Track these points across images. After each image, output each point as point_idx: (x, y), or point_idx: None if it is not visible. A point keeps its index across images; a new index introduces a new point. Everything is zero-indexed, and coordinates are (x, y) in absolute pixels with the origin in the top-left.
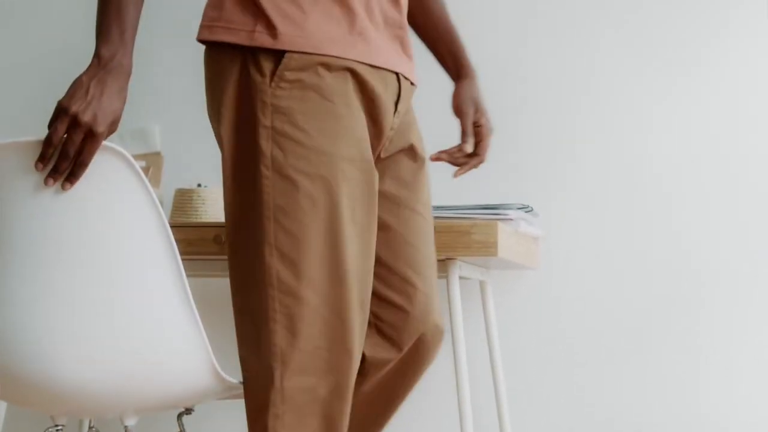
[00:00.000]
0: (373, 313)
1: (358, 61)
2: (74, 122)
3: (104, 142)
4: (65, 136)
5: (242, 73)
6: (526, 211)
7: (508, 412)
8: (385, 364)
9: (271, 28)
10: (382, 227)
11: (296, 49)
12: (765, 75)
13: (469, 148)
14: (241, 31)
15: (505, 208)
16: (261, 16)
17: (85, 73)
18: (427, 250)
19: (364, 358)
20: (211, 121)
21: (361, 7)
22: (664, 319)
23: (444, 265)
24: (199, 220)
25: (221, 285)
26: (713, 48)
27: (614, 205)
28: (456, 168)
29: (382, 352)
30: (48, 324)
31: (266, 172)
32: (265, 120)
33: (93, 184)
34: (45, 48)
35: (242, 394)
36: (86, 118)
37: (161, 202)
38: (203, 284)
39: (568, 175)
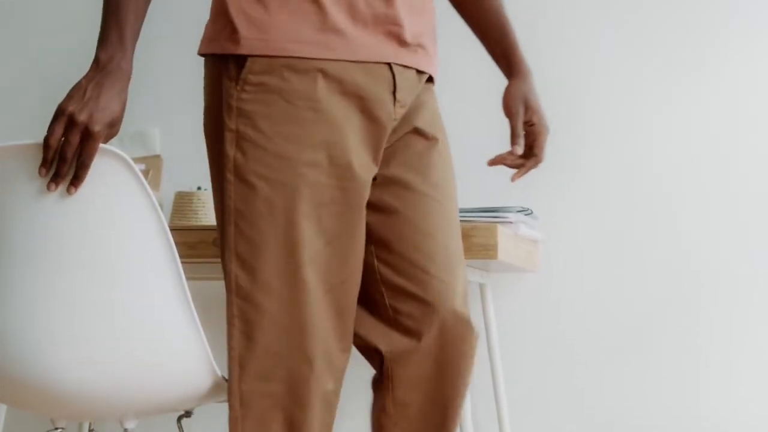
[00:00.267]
0: (390, 306)
1: (332, 60)
2: (71, 122)
3: (104, 146)
4: (63, 138)
5: (218, 81)
6: (525, 214)
7: (508, 415)
8: (406, 357)
9: (235, 34)
10: (390, 213)
11: (257, 53)
12: (765, 75)
13: (518, 150)
14: (215, 41)
15: (504, 211)
16: (228, 23)
17: (84, 77)
18: (441, 235)
19: (381, 356)
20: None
21: (334, 3)
22: (664, 321)
23: None
24: (198, 223)
25: (220, 288)
26: (713, 49)
27: (614, 209)
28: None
29: (400, 343)
30: (48, 327)
31: (229, 176)
32: (231, 123)
33: (93, 187)
34: (47, 52)
35: None
36: (82, 117)
37: (161, 205)
38: (203, 287)
39: (568, 179)
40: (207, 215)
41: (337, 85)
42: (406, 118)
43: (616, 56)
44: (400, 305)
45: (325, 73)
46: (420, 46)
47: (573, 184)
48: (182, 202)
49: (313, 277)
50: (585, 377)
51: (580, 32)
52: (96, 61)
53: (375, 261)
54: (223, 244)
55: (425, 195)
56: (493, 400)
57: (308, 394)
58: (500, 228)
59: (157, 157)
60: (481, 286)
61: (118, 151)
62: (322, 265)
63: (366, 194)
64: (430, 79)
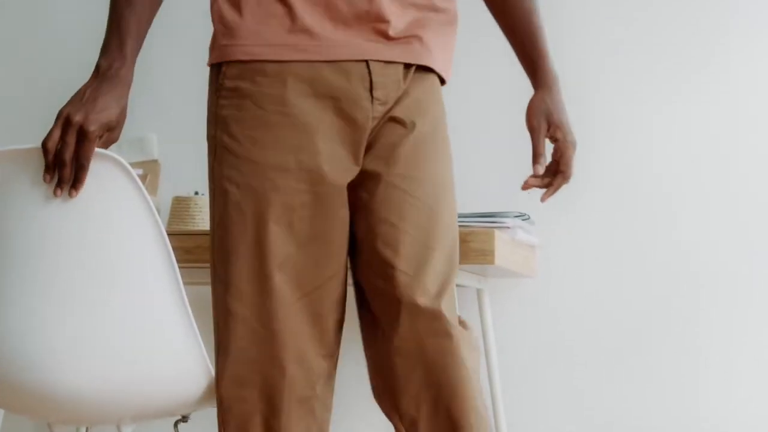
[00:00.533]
0: (366, 306)
1: (301, 61)
2: (67, 123)
3: (102, 150)
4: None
5: (209, 90)
6: (523, 219)
7: (506, 420)
8: (393, 362)
9: (215, 42)
10: (360, 208)
11: (230, 59)
12: (765, 75)
13: (539, 169)
14: (209, 51)
15: (502, 216)
16: (214, 32)
17: (85, 83)
18: (408, 227)
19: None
20: None
21: (307, 3)
22: (664, 323)
23: None
24: (196, 228)
25: None
26: (713, 49)
27: (612, 213)
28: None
29: (374, 344)
30: (45, 331)
31: (210, 183)
32: (211, 130)
33: (90, 192)
34: (49, 58)
35: None
36: (77, 118)
37: (158, 210)
38: (200, 292)
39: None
40: (204, 220)
41: (308, 87)
42: (387, 111)
43: (614, 57)
44: (373, 301)
45: (295, 76)
46: (414, 37)
47: (571, 188)
48: (180, 206)
49: (283, 282)
50: (583, 381)
51: (579, 33)
52: (96, 68)
53: (355, 262)
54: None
55: (394, 187)
56: (491, 405)
57: (281, 401)
58: (497, 233)
59: (155, 162)
60: (479, 292)
61: (115, 156)
62: (294, 270)
63: (341, 198)
64: (428, 69)
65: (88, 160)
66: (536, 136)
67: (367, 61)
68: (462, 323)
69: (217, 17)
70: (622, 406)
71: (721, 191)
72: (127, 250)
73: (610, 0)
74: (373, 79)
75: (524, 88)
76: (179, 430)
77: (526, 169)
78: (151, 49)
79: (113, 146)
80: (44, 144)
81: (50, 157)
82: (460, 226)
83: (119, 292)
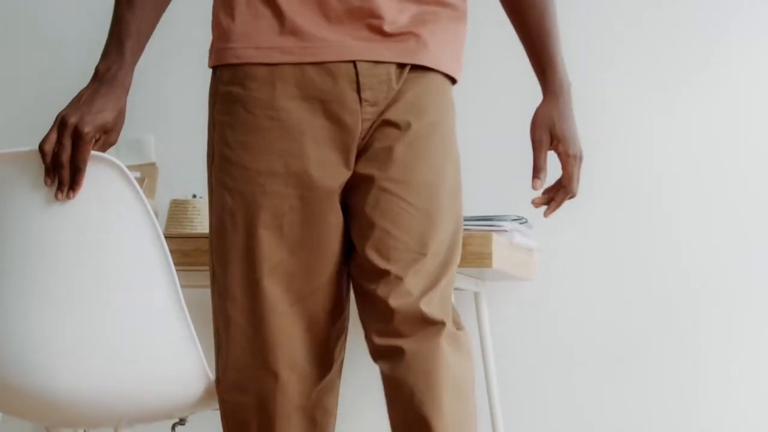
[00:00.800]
0: (360, 316)
1: (289, 64)
2: (62, 125)
3: (99, 153)
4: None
5: (209, 95)
6: (520, 223)
7: (503, 424)
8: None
9: (211, 45)
10: (355, 212)
11: (223, 62)
12: (765, 76)
13: (537, 184)
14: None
15: (499, 220)
16: (212, 36)
17: (84, 87)
18: (400, 233)
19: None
20: None
21: (297, 2)
22: (662, 327)
23: None
24: (193, 231)
25: None
26: (713, 50)
27: (611, 216)
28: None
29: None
30: (43, 334)
31: (208, 189)
32: (209, 135)
33: (88, 195)
34: (51, 60)
35: None
36: (73, 119)
37: (156, 213)
38: (198, 295)
39: (570, 199)
40: (202, 223)
41: (297, 90)
42: (380, 113)
43: (614, 58)
44: (365, 308)
45: (284, 79)
46: (410, 34)
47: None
48: (177, 209)
49: (275, 288)
50: (581, 385)
51: (579, 34)
52: (95, 72)
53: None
54: None
55: (385, 192)
56: (488, 409)
57: (275, 408)
58: (495, 236)
59: (152, 164)
60: (476, 295)
61: (113, 159)
62: (286, 276)
63: (331, 203)
64: (427, 68)
65: (84, 162)
66: (537, 150)
67: (354, 62)
68: (456, 323)
69: (214, 22)
70: (622, 409)
71: (721, 192)
72: (125, 253)
73: (610, 0)
74: (360, 80)
75: (523, 90)
76: None
77: (525, 173)
78: (150, 52)
79: (111, 149)
80: (41, 146)
81: (47, 159)
82: None
83: (117, 295)
